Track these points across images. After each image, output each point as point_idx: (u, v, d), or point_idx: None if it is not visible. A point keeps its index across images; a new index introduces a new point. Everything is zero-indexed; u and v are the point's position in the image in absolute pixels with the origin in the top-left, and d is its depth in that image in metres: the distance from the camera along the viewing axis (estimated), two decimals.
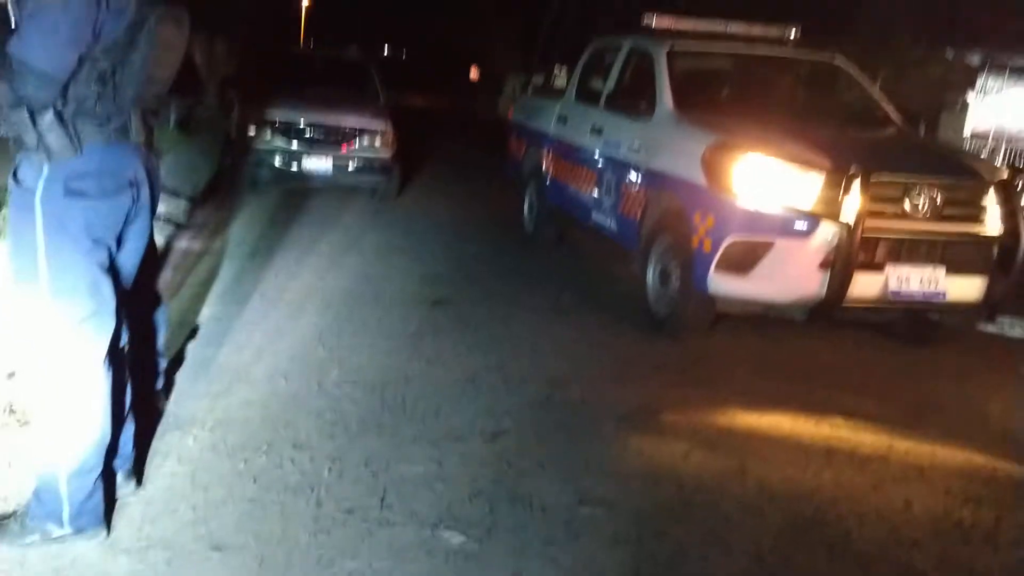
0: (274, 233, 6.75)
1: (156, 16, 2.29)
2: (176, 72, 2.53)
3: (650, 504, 2.96)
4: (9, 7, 2.21)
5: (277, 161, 8.08)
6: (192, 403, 3.41)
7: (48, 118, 2.17)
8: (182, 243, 5.98)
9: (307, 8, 36.11)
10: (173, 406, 3.35)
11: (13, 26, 2.17)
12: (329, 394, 3.67)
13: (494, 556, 2.56)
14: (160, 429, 3.13)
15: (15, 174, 2.27)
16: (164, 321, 3.27)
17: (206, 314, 4.57)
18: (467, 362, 4.22)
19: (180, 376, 3.66)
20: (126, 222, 2.41)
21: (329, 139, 8.19)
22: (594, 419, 3.66)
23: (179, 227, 6.35)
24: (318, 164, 8.16)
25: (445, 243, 7.10)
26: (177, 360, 3.82)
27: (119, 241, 2.42)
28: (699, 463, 3.33)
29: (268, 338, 4.30)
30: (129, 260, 2.52)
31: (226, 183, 8.27)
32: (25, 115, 2.16)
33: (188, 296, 4.82)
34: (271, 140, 8.08)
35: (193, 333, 4.21)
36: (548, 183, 7.03)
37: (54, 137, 2.18)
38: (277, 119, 8.11)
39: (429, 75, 36.15)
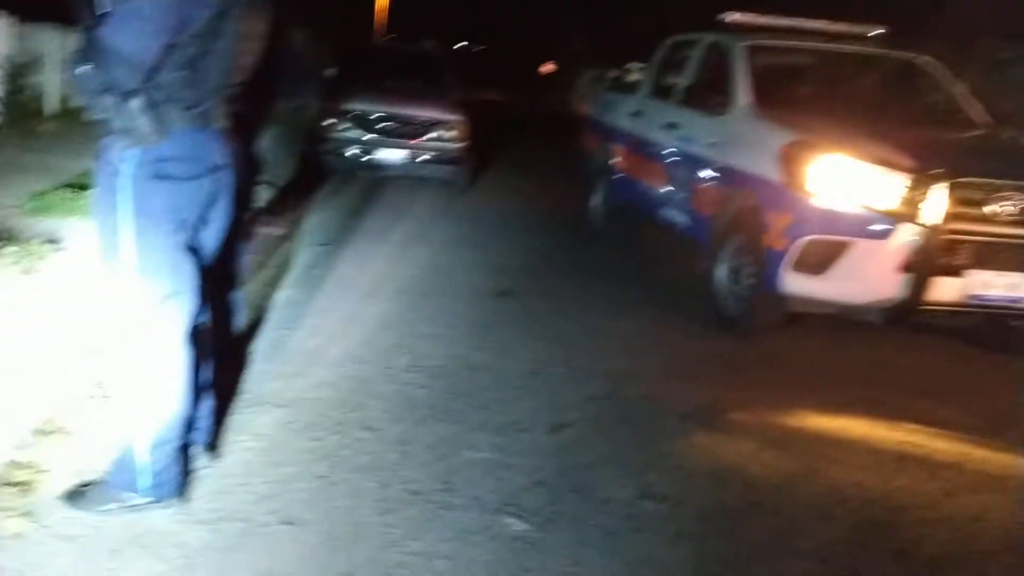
0: (349, 222, 6.89)
1: (240, 5, 2.36)
2: (258, 60, 2.60)
3: (715, 502, 2.94)
4: None
5: (353, 151, 8.23)
6: (268, 382, 3.52)
7: (136, 103, 2.25)
8: (261, 227, 6.14)
9: (385, 2, 36.55)
10: (249, 384, 3.46)
11: (101, 12, 2.25)
12: (398, 379, 3.74)
13: (554, 545, 2.58)
14: (237, 406, 3.24)
15: (102, 157, 2.37)
16: (242, 302, 3.38)
17: (282, 298, 4.70)
18: (532, 354, 4.25)
19: (256, 356, 3.77)
20: (208, 204, 2.49)
21: (403, 130, 8.31)
22: (658, 415, 3.64)
23: (259, 212, 6.51)
24: (392, 155, 8.29)
25: (513, 236, 7.14)
26: (254, 340, 3.94)
27: (202, 222, 2.50)
28: (767, 464, 3.29)
29: (341, 323, 4.39)
30: (210, 241, 2.60)
31: (307, 172, 8.45)
32: (114, 100, 2.24)
33: (265, 280, 4.95)
34: (347, 130, 8.23)
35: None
36: (619, 178, 7.00)
37: (142, 122, 2.26)
38: (353, 110, 8.26)
39: (503, 69, 36.26)
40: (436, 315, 4.72)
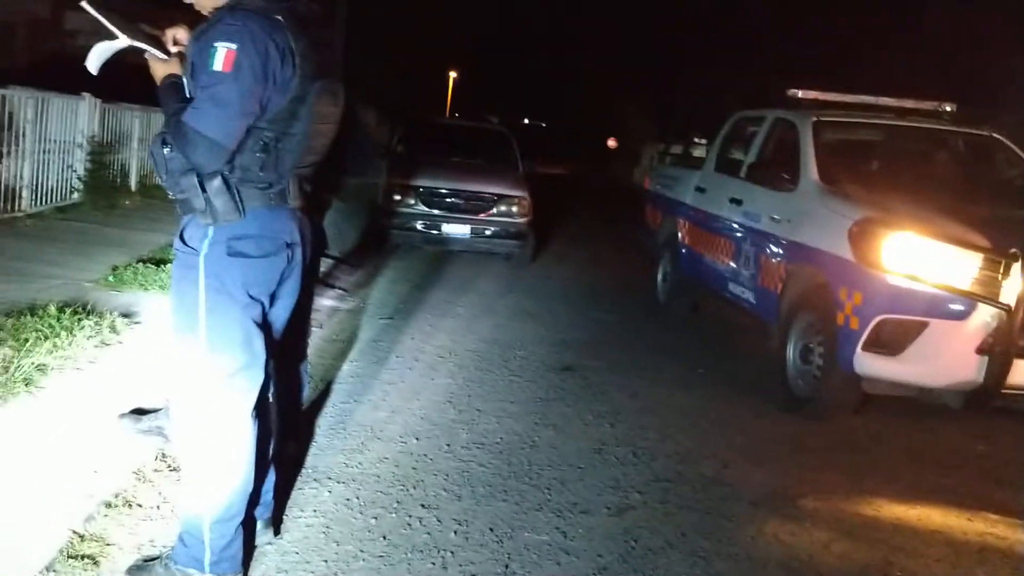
0: (413, 295, 6.97)
1: (316, 90, 2.45)
2: (330, 140, 2.68)
3: None
4: (184, 79, 2.42)
5: (419, 225, 8.37)
6: (329, 457, 3.53)
7: (216, 184, 2.34)
8: (327, 301, 6.26)
9: (454, 80, 37.73)
10: (311, 459, 3.48)
11: (187, 97, 2.36)
12: (458, 456, 3.71)
13: None
14: (299, 481, 3.25)
15: (182, 235, 2.45)
16: (307, 376, 3.42)
17: (346, 371, 4.74)
18: (594, 432, 4.18)
19: (319, 430, 3.79)
20: (281, 280, 2.55)
21: (468, 205, 8.44)
22: (726, 499, 3.52)
23: (325, 286, 6.65)
24: (457, 229, 8.41)
25: (576, 310, 7.12)
26: (317, 414, 3.97)
27: (273, 297, 2.56)
28: (841, 554, 3.14)
29: (402, 397, 4.40)
30: (281, 315, 2.65)
31: (371, 246, 8.63)
32: (195, 180, 2.33)
33: (330, 352, 5.02)
34: (414, 205, 8.40)
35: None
36: (684, 252, 6.96)
37: (221, 202, 2.35)
38: (420, 185, 8.44)
39: (568, 144, 36.84)
40: (497, 390, 4.70)
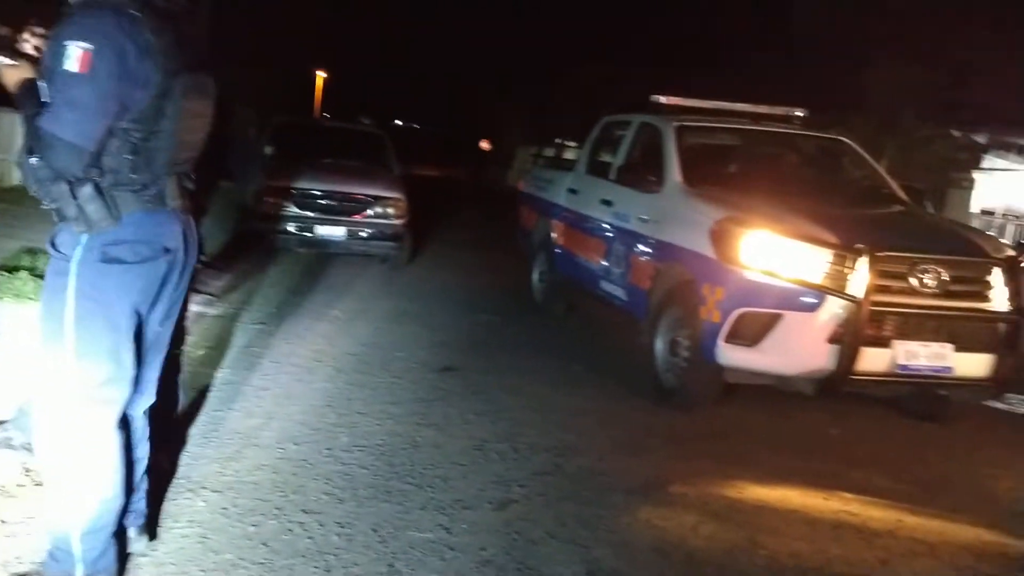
0: (287, 299, 6.84)
1: (182, 85, 2.37)
2: (205, 137, 2.62)
3: None
4: (40, 82, 2.31)
5: (293, 227, 8.21)
6: (203, 466, 3.43)
7: (87, 190, 2.25)
8: (196, 307, 6.05)
9: (324, 80, 37.03)
10: (184, 469, 3.38)
11: (44, 101, 2.25)
12: (339, 459, 3.69)
13: None
14: (172, 491, 3.15)
15: (53, 242, 2.35)
16: (182, 384, 3.33)
17: (218, 378, 4.62)
18: (476, 430, 4.24)
19: (191, 439, 3.69)
20: (160, 286, 2.47)
21: (343, 207, 8.34)
22: (603, 490, 3.66)
23: (195, 291, 6.42)
24: (332, 231, 8.30)
25: (455, 311, 7.17)
26: (189, 423, 3.85)
27: (151, 304, 2.47)
28: (709, 535, 3.32)
29: (279, 402, 4.33)
30: (158, 322, 2.57)
31: (241, 249, 8.39)
32: (65, 188, 2.24)
33: (200, 360, 4.87)
34: (287, 207, 8.23)
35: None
36: (558, 253, 7.13)
37: (93, 208, 2.26)
38: (293, 186, 8.28)
39: (442, 146, 36.84)
40: (377, 393, 4.68)
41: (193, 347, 5.01)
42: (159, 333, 2.59)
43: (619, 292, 5.91)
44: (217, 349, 5.14)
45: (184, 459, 3.47)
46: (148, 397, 2.63)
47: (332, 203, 8.32)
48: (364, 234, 8.38)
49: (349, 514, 3.17)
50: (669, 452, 4.23)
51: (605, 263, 6.12)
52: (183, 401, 3.33)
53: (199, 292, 6.42)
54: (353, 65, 38.24)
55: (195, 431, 3.79)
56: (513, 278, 8.14)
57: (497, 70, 33.45)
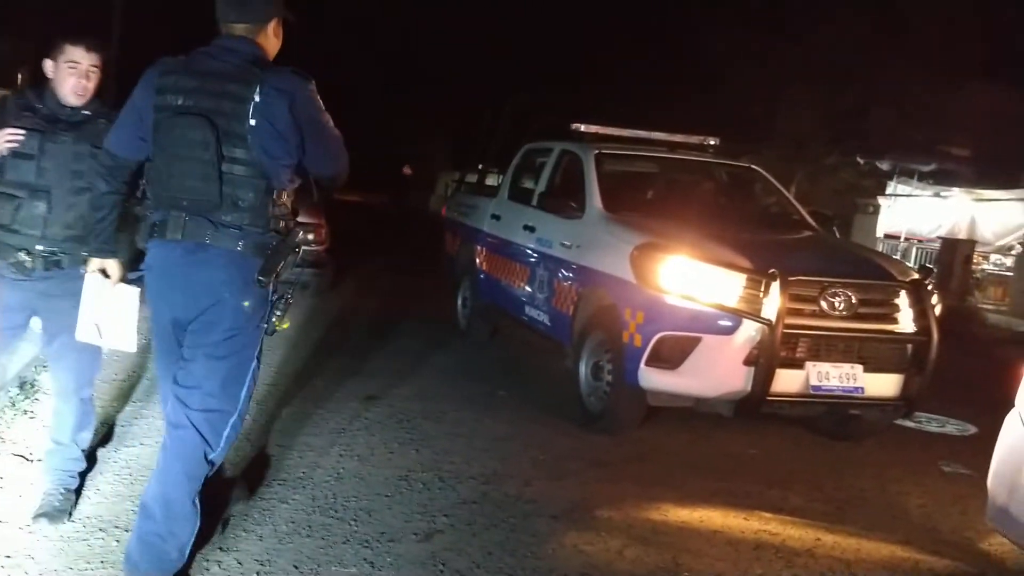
0: None
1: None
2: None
3: None
4: None
5: None
6: (116, 504, 3.30)
7: None
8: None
9: None
10: (94, 508, 3.24)
11: None
12: (258, 494, 3.58)
13: None
14: (84, 531, 3.02)
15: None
16: (90, 419, 3.21)
17: (128, 412, 4.45)
18: (400, 459, 4.19)
19: (100, 476, 3.54)
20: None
21: None
22: (529, 516, 3.65)
23: None
24: None
25: (377, 338, 7.08)
26: (99, 460, 3.69)
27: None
28: (634, 559, 3.34)
29: None
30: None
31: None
32: None
33: (111, 393, 4.69)
34: None
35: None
36: (481, 279, 7.14)
37: None
38: None
39: (363, 171, 36.44)
40: (298, 423, 4.58)
41: (102, 381, 4.83)
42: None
43: (543, 317, 5.94)
44: (127, 382, 4.96)
45: (95, 497, 3.33)
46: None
47: None
48: None
49: (269, 551, 3.08)
50: (594, 476, 4.26)
51: (529, 288, 6.15)
52: (92, 436, 3.20)
53: None
54: None
55: (105, 468, 3.64)
56: (436, 304, 8.10)
57: (420, 94, 33.43)
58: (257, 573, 2.91)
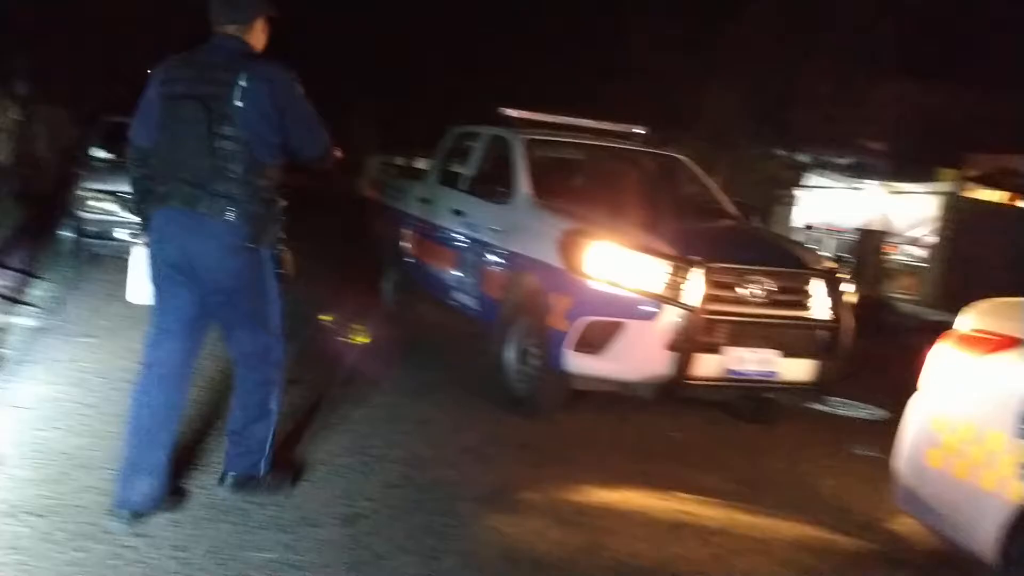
0: (112, 310, 6.42)
1: None
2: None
3: None
4: None
5: (115, 233, 7.66)
6: (24, 489, 3.19)
7: None
8: (15, 319, 5.61)
9: None
10: (2, 492, 3.12)
11: None
12: (174, 480, 3.50)
13: None
14: None
15: None
16: None
17: (40, 394, 4.29)
18: (322, 444, 4.14)
19: (10, 460, 3.41)
20: None
21: None
22: (453, 499, 3.66)
23: (14, 302, 5.96)
24: None
25: (301, 320, 6.96)
26: (9, 443, 3.56)
27: None
28: (555, 541, 3.39)
29: (106, 422, 4.04)
30: None
31: (64, 257, 7.84)
32: None
33: (20, 374, 4.51)
34: (108, 212, 7.68)
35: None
36: (410, 262, 7.10)
37: None
38: (116, 190, 7.70)
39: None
40: (216, 409, 4.48)
41: (11, 362, 4.66)
42: None
43: (471, 301, 5.95)
44: (39, 364, 4.78)
45: (6, 483, 3.21)
46: None
47: None
48: None
49: (186, 537, 3.02)
50: (518, 459, 4.29)
51: (457, 273, 6.14)
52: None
53: (15, 302, 5.97)
54: None
55: (14, 451, 3.51)
56: (363, 287, 8.01)
57: (346, 76, 32.92)
58: (173, 559, 2.85)
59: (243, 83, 2.98)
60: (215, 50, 3.14)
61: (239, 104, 2.97)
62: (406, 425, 4.58)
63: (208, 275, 3.10)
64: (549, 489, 3.94)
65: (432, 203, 6.86)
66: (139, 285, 3.47)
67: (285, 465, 3.61)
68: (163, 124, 3.08)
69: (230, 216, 3.04)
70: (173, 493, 3.24)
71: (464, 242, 6.09)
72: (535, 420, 4.90)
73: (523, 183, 5.69)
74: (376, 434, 4.37)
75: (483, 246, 5.78)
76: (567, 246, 4.87)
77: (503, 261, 5.51)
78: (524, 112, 6.49)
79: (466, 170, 6.59)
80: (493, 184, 5.90)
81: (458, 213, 6.25)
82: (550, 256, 4.95)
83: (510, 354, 5.25)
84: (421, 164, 9.04)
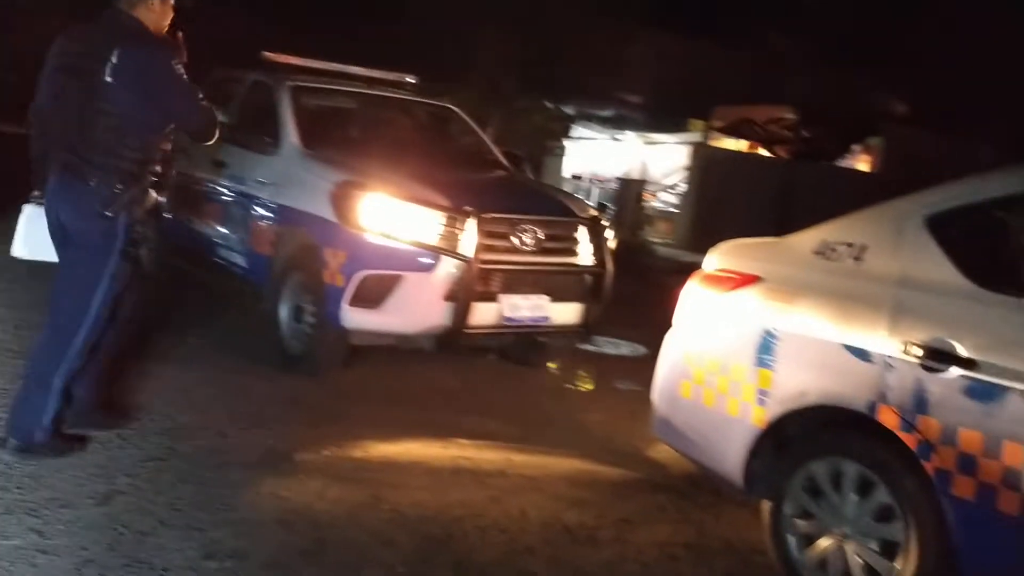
0: None
1: None
2: None
3: (282, 549, 2.90)
4: None
5: None
6: None
7: None
8: None
9: None
10: None
11: None
12: None
13: None
14: None
15: None
16: None
17: None
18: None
19: None
20: None
21: None
22: (223, 467, 3.50)
23: None
24: None
25: (42, 283, 6.30)
26: None
27: None
28: (334, 499, 3.34)
29: None
30: None
31: None
32: None
33: None
34: None
35: None
36: (167, 218, 6.58)
37: None
38: None
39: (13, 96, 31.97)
40: None
41: None
42: None
43: (239, 259, 5.65)
44: None
45: None
46: None
47: None
48: None
49: None
50: (294, 420, 4.17)
51: (222, 229, 5.80)
52: None
53: None
54: None
55: None
56: None
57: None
58: None
59: (114, 59, 3.16)
60: (102, 25, 3.31)
61: (108, 80, 3.17)
62: (169, 394, 4.28)
63: (76, 238, 3.33)
64: (327, 448, 3.87)
65: (190, 154, 6.38)
66: (25, 241, 3.61)
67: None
68: (54, 94, 3.32)
69: (92, 183, 3.23)
70: None
71: (228, 196, 5.75)
72: (312, 379, 4.78)
73: (291, 133, 5.44)
74: (135, 405, 4.06)
75: (250, 199, 5.49)
76: (340, 198, 4.73)
77: (272, 215, 5.27)
78: (289, 57, 6.18)
79: (228, 118, 6.17)
80: (258, 134, 5.60)
81: (220, 164, 5.87)
82: (323, 209, 4.79)
83: (284, 312, 5.07)
84: None
